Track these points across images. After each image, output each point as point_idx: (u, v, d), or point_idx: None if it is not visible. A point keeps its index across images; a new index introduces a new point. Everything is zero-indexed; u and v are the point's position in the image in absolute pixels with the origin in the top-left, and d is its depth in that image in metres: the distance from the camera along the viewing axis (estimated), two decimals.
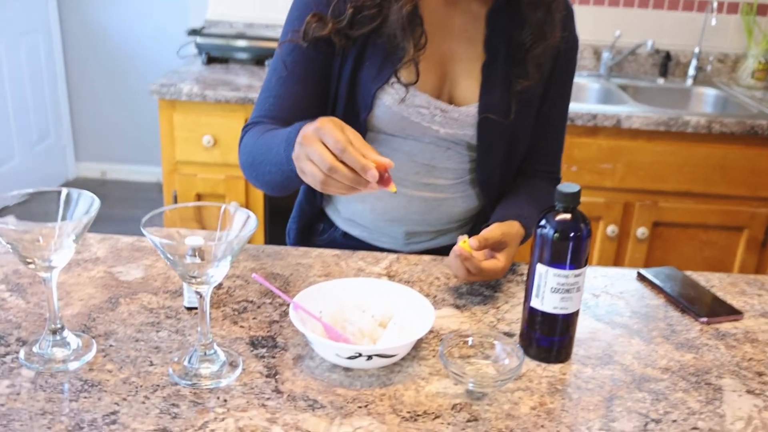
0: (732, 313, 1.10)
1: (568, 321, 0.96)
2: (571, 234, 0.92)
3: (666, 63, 2.67)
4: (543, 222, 0.94)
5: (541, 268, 0.94)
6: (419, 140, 1.25)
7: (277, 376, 0.90)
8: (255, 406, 0.85)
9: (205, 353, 0.91)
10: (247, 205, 2.35)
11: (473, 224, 1.36)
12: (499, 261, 1.11)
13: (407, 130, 1.23)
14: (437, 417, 0.85)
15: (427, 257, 1.24)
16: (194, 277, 0.85)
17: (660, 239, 2.36)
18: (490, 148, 1.27)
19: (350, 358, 0.90)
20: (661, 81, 2.67)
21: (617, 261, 2.38)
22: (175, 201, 2.34)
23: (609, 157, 2.26)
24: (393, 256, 1.24)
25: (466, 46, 1.25)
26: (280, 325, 1.01)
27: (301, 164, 0.97)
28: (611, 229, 2.32)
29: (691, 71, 2.66)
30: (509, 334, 1.03)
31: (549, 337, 0.96)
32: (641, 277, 1.21)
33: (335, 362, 0.92)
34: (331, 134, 0.92)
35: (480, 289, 1.15)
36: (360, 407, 0.86)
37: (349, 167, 0.92)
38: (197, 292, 0.88)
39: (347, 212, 1.35)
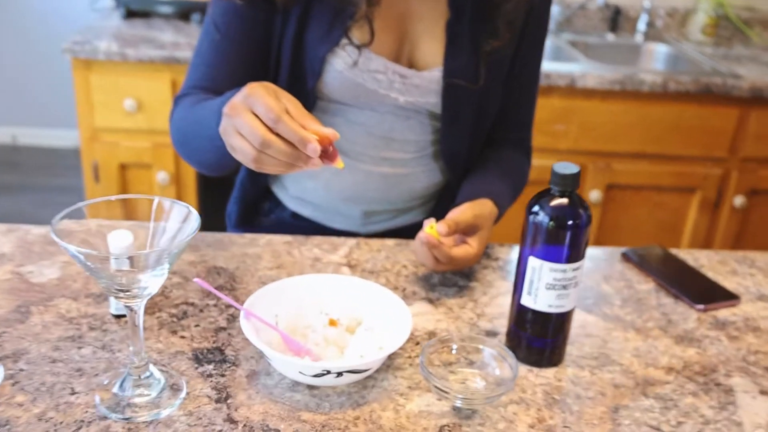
0: (728, 297, 1.01)
1: (564, 319, 0.84)
2: (570, 222, 0.79)
3: (616, 18, 2.57)
4: (536, 208, 0.81)
5: (534, 262, 0.81)
6: (376, 110, 1.10)
7: (228, 401, 0.76)
8: None
9: (140, 376, 0.75)
10: (177, 178, 2.15)
11: (437, 201, 1.23)
12: (472, 247, 0.98)
13: (362, 98, 1.08)
14: None
15: (390, 242, 1.10)
16: (123, 291, 0.69)
17: (613, 202, 2.28)
18: (457, 117, 1.13)
19: (317, 375, 0.76)
20: (611, 37, 2.57)
21: None
22: (96, 172, 2.12)
23: (562, 117, 2.15)
24: (352, 241, 1.10)
25: (428, 1, 1.09)
26: (229, 333, 0.86)
27: (229, 139, 0.82)
28: None
29: (641, 26, 2.56)
30: (492, 333, 0.91)
31: (542, 338, 0.84)
32: (625, 258, 1.11)
33: (298, 380, 0.78)
34: (263, 102, 0.77)
35: (453, 278, 1.02)
36: None
37: (286, 140, 0.77)
38: (128, 307, 0.72)
39: (297, 190, 1.19)
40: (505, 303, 0.97)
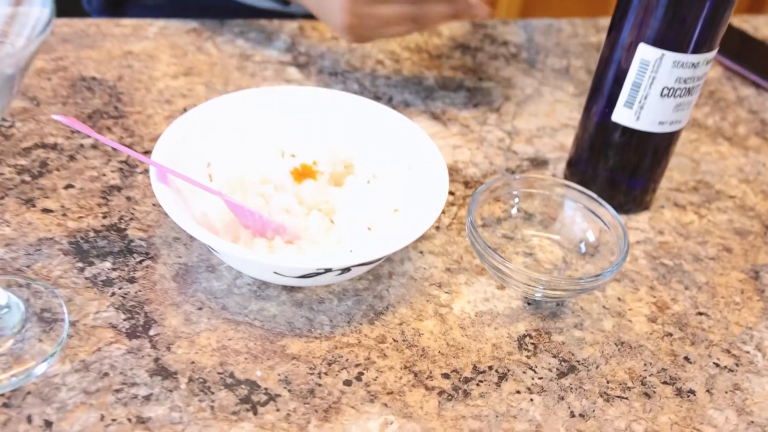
0: None
1: (671, 143, 0.54)
2: None
3: None
4: None
5: (646, 51, 0.48)
6: None
7: (152, 333, 0.42)
8: (124, 423, 0.38)
9: None
10: None
11: None
12: None
13: None
14: (503, 377, 0.43)
15: None
16: None
17: None
18: None
19: (305, 276, 0.43)
20: None
21: None
22: None
23: None
24: (292, 25, 0.72)
25: None
26: (127, 197, 0.51)
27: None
28: None
29: None
30: (538, 162, 0.60)
31: (635, 172, 0.54)
32: None
33: (269, 281, 0.45)
34: None
35: (456, 78, 0.68)
36: (347, 383, 0.41)
37: None
38: None
39: None
40: (539, 111, 0.65)
